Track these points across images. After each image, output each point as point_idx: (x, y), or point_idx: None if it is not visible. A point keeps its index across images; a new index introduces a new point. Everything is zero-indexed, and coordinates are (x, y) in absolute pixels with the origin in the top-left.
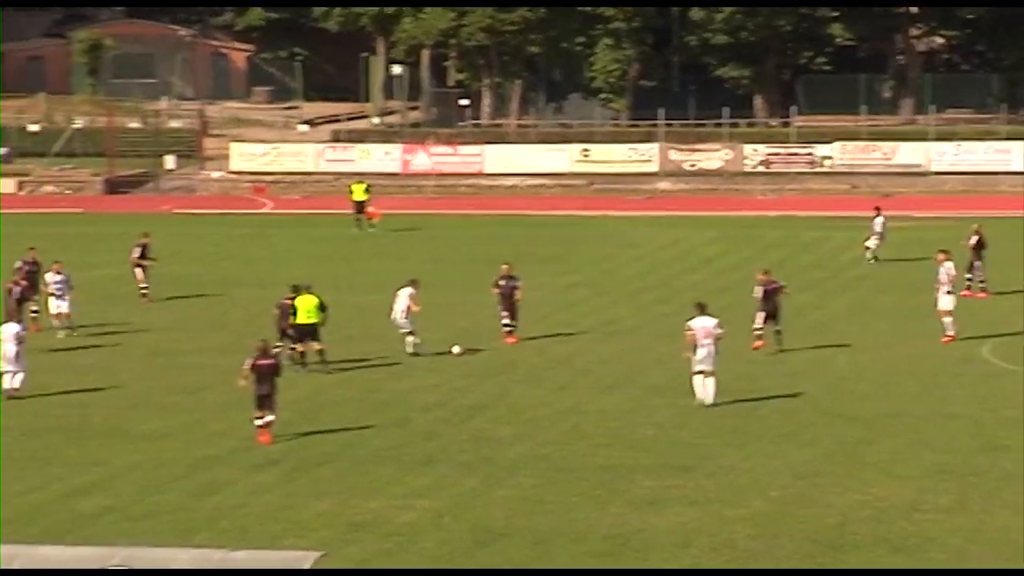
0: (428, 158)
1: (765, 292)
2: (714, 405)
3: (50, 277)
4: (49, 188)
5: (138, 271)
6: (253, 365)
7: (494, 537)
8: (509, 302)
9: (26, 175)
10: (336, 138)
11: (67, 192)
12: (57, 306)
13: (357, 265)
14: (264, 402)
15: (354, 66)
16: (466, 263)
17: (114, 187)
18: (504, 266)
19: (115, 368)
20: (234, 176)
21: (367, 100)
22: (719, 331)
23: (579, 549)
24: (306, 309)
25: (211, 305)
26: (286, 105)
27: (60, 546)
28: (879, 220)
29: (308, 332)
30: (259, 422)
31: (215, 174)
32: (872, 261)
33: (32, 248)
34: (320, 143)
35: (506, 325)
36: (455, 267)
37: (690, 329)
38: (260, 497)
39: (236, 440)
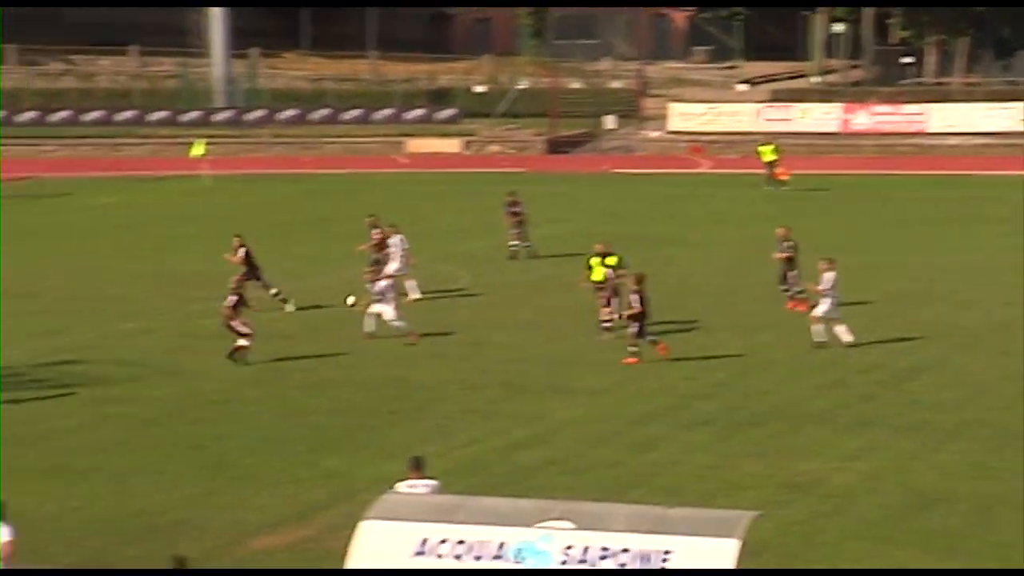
0: (869, 117)
1: None
2: None
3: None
4: (494, 148)
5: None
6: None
7: (931, 502)
8: None
9: (472, 135)
10: (775, 97)
11: (510, 152)
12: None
13: (801, 224)
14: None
15: (794, 25)
16: (907, 225)
17: (555, 147)
18: None
19: (552, 325)
20: (672, 136)
21: (807, 59)
22: None
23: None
24: (599, 269)
25: (643, 264)
26: (725, 65)
27: (500, 497)
28: None
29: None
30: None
31: (653, 134)
32: None
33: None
34: (759, 103)
35: None
36: (896, 228)
37: None
38: (693, 455)
39: (672, 397)
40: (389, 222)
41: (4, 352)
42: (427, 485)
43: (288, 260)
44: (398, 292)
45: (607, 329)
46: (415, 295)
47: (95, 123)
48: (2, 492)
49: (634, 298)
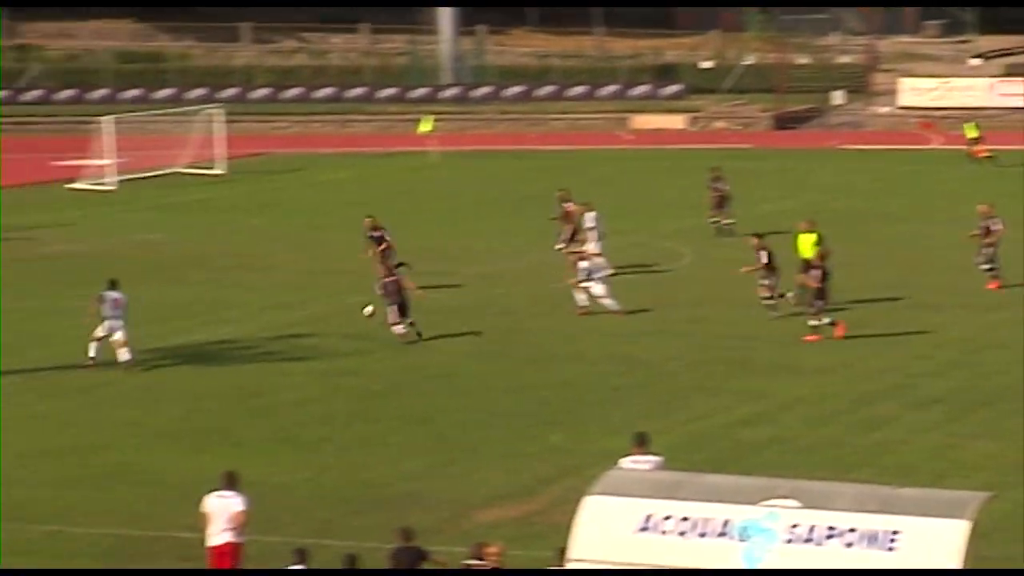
0: None
1: None
2: None
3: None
4: (719, 124)
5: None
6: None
7: None
8: None
9: (697, 111)
10: (1009, 72)
11: (736, 128)
12: None
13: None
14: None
15: None
16: None
17: (782, 123)
18: None
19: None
20: (902, 112)
21: None
22: None
23: None
24: (806, 245)
25: (874, 241)
26: (958, 39)
27: (724, 475)
28: None
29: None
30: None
31: (883, 109)
32: None
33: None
34: (992, 77)
35: None
36: None
37: None
38: (922, 435)
39: (899, 376)
40: (582, 199)
41: (238, 324)
42: (651, 461)
43: (512, 236)
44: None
45: (770, 307)
46: (608, 271)
47: (326, 100)
48: (235, 463)
49: (815, 274)
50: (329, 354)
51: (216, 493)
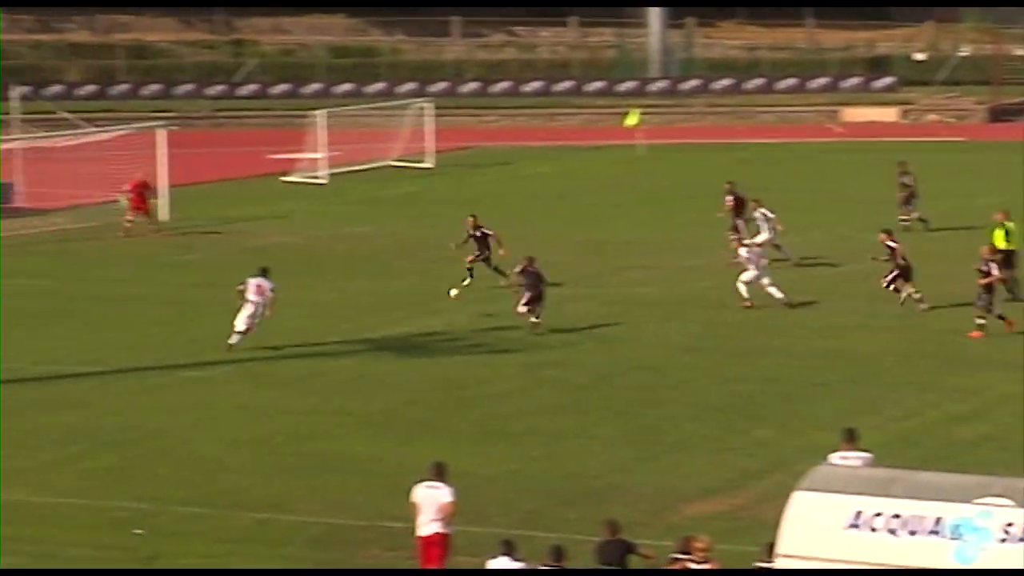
0: None
1: None
2: None
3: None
4: (932, 117)
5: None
6: None
7: None
8: None
9: (910, 104)
10: None
11: (949, 120)
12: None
13: None
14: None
15: None
16: None
17: (997, 115)
18: None
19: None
20: None
21: None
22: None
23: None
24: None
25: None
26: None
27: (936, 472)
28: None
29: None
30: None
31: None
32: None
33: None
34: None
35: None
36: None
37: None
38: None
39: None
40: (753, 195)
41: (446, 316)
42: (860, 457)
43: (719, 229)
44: (766, 259)
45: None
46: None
47: (534, 94)
48: (443, 453)
49: (988, 267)
50: (535, 346)
51: (424, 483)
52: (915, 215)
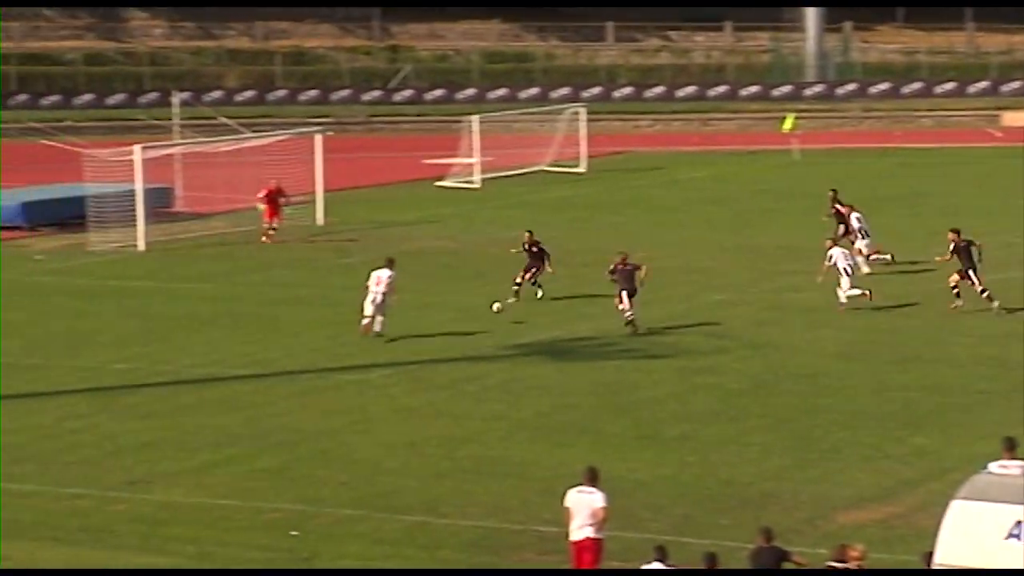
0: None
1: None
2: None
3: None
4: None
5: None
6: None
7: None
8: None
9: None
10: None
11: None
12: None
13: None
14: None
15: None
16: None
17: None
18: None
19: None
20: None
21: None
22: None
23: None
24: None
25: None
26: None
27: None
28: None
29: None
30: None
31: None
32: None
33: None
34: None
35: None
36: None
37: None
38: None
39: None
40: (848, 200)
41: (599, 321)
42: (1020, 466)
43: (877, 235)
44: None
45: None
46: (866, 269)
47: (688, 99)
48: (596, 458)
49: None
50: (688, 352)
51: (577, 488)
52: None
